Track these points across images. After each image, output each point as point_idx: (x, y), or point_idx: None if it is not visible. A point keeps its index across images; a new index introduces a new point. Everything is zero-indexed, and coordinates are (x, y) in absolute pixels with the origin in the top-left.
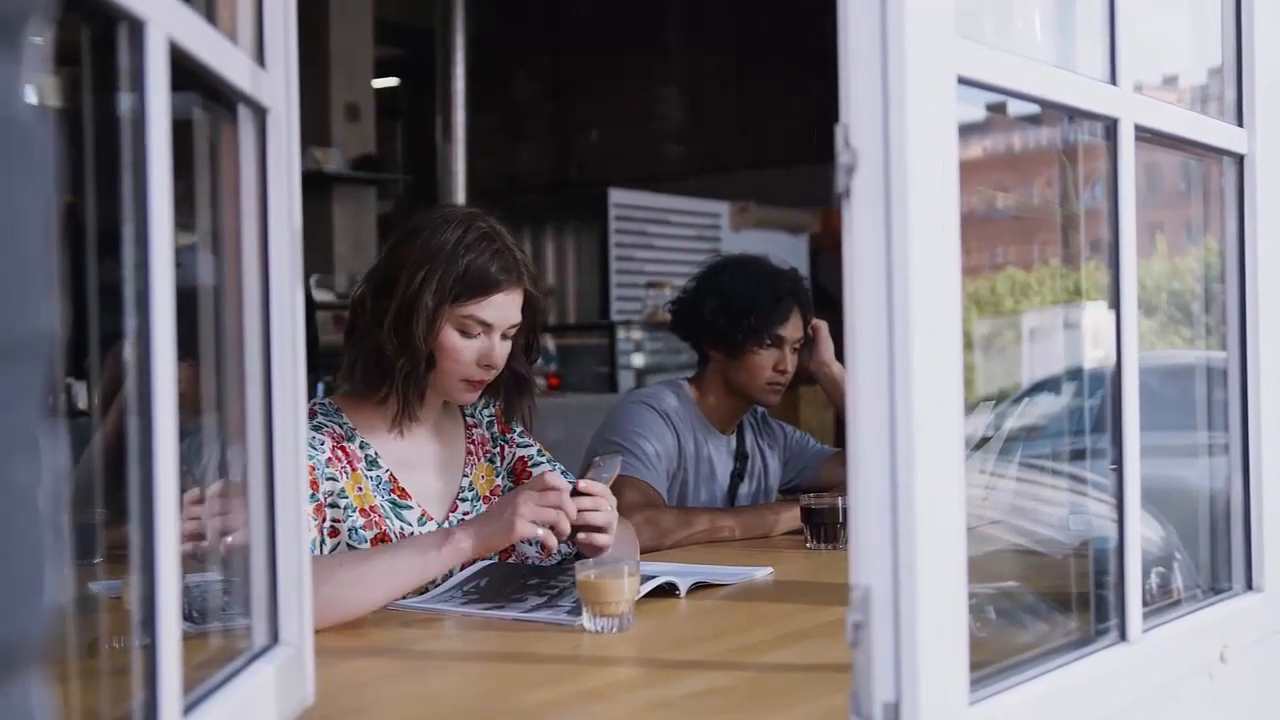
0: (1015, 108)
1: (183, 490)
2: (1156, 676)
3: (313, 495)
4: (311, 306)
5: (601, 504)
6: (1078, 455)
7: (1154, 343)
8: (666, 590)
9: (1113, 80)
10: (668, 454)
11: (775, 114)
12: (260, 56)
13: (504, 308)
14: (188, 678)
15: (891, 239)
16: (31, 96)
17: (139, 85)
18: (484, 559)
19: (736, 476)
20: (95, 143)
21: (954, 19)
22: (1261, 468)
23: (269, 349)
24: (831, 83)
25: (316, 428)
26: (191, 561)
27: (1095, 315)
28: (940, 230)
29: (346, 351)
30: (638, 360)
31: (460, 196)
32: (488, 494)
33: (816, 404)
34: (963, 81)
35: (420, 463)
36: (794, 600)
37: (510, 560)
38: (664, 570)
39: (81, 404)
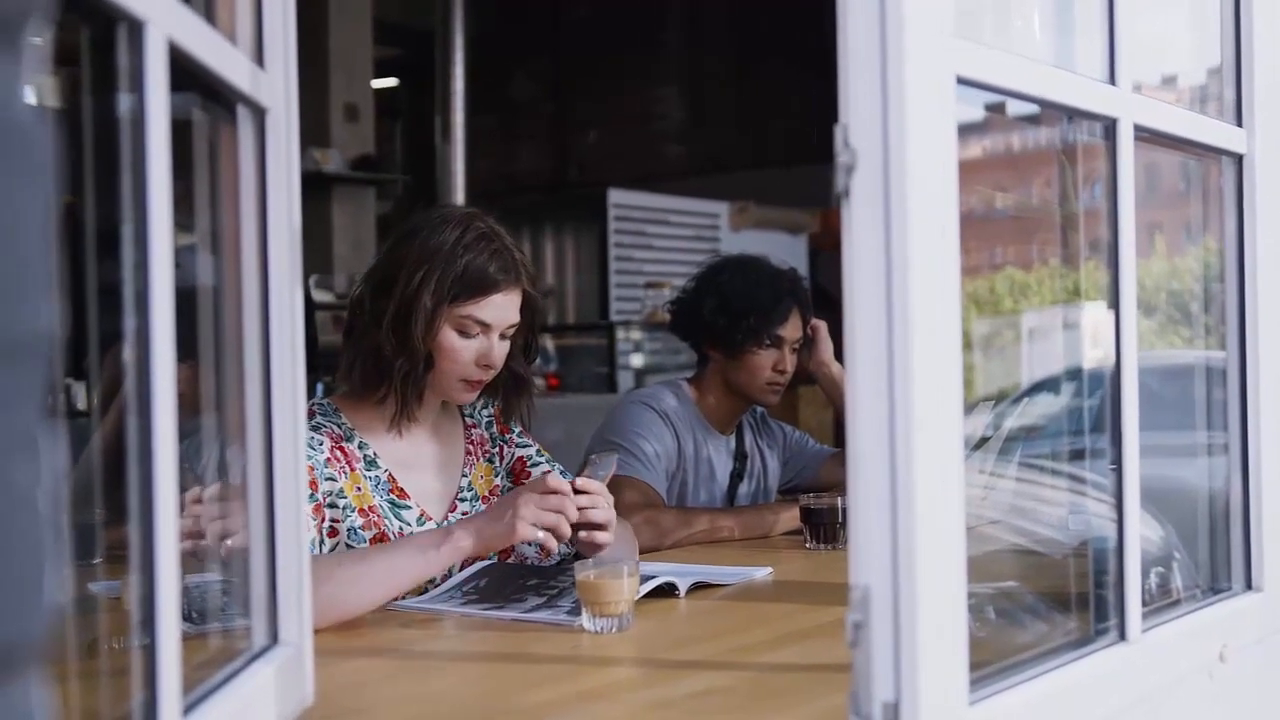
0: (1014, 108)
1: (182, 491)
2: (1156, 676)
3: (311, 495)
4: (311, 307)
5: (600, 501)
6: (1077, 455)
7: (1153, 342)
8: (666, 590)
9: (1112, 80)
10: (667, 454)
11: (775, 114)
12: (259, 57)
13: (502, 308)
14: (187, 678)
15: (891, 239)
16: (31, 97)
17: (138, 86)
18: (483, 559)
19: (736, 477)
20: (95, 143)
21: (953, 19)
22: (1261, 467)
23: (268, 349)
24: (831, 83)
25: (315, 428)
26: (191, 562)
27: (1094, 315)
28: (939, 230)
29: (345, 352)
30: (637, 360)
31: (459, 197)
32: (486, 494)
33: (816, 404)
34: (962, 81)
35: (419, 463)
36: (793, 600)
37: (509, 560)
38: (663, 570)
39: (80, 404)
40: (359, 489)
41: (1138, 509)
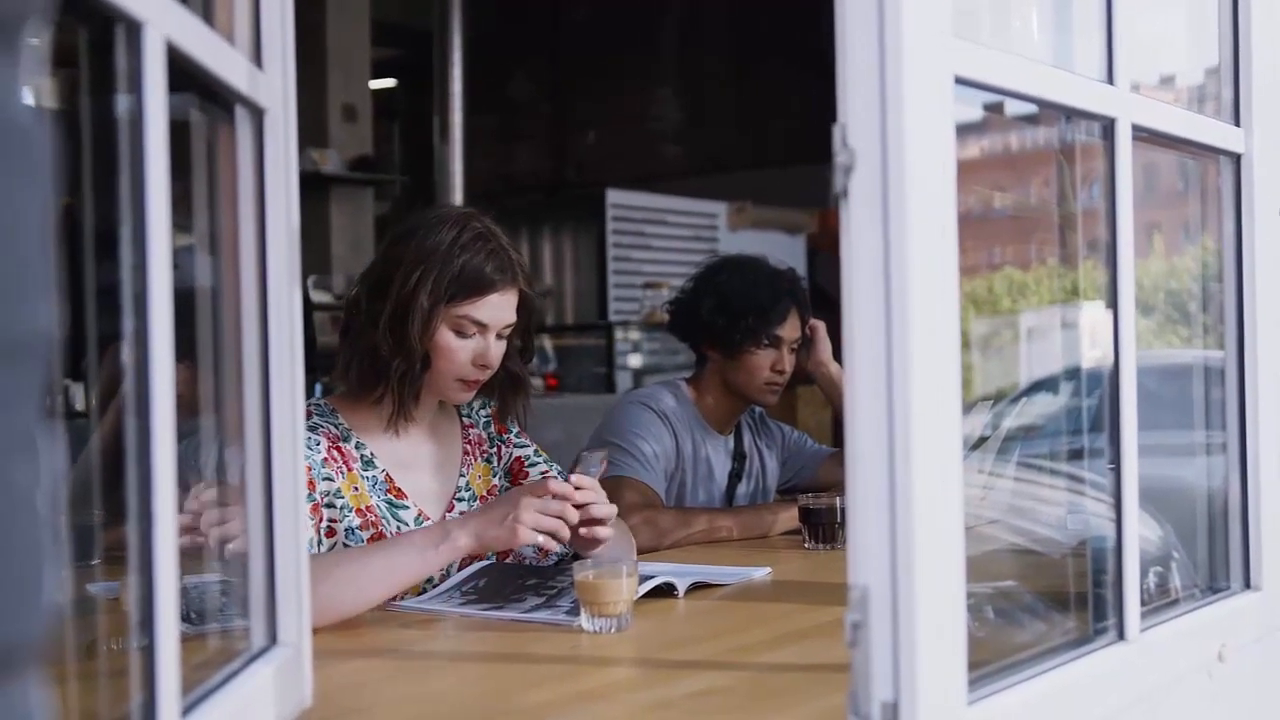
0: (1013, 107)
1: (181, 492)
2: (1155, 676)
3: (309, 495)
4: (309, 307)
5: (594, 497)
6: (1076, 455)
7: (1151, 342)
8: (665, 590)
9: (1110, 80)
10: (665, 454)
11: (774, 114)
12: (258, 57)
13: (499, 308)
14: (186, 679)
15: (889, 239)
16: (29, 98)
17: (136, 86)
18: (481, 559)
19: (734, 477)
20: (93, 144)
21: (951, 19)
22: (1259, 466)
23: (267, 350)
24: (830, 83)
25: (312, 428)
26: (190, 563)
27: (1093, 315)
28: (938, 230)
29: (342, 352)
30: (635, 361)
31: (458, 197)
32: (485, 494)
33: (814, 404)
34: (960, 81)
35: (416, 463)
36: (792, 600)
37: (508, 560)
38: (662, 570)
39: (79, 405)
40: (356, 489)
41: (1136, 508)
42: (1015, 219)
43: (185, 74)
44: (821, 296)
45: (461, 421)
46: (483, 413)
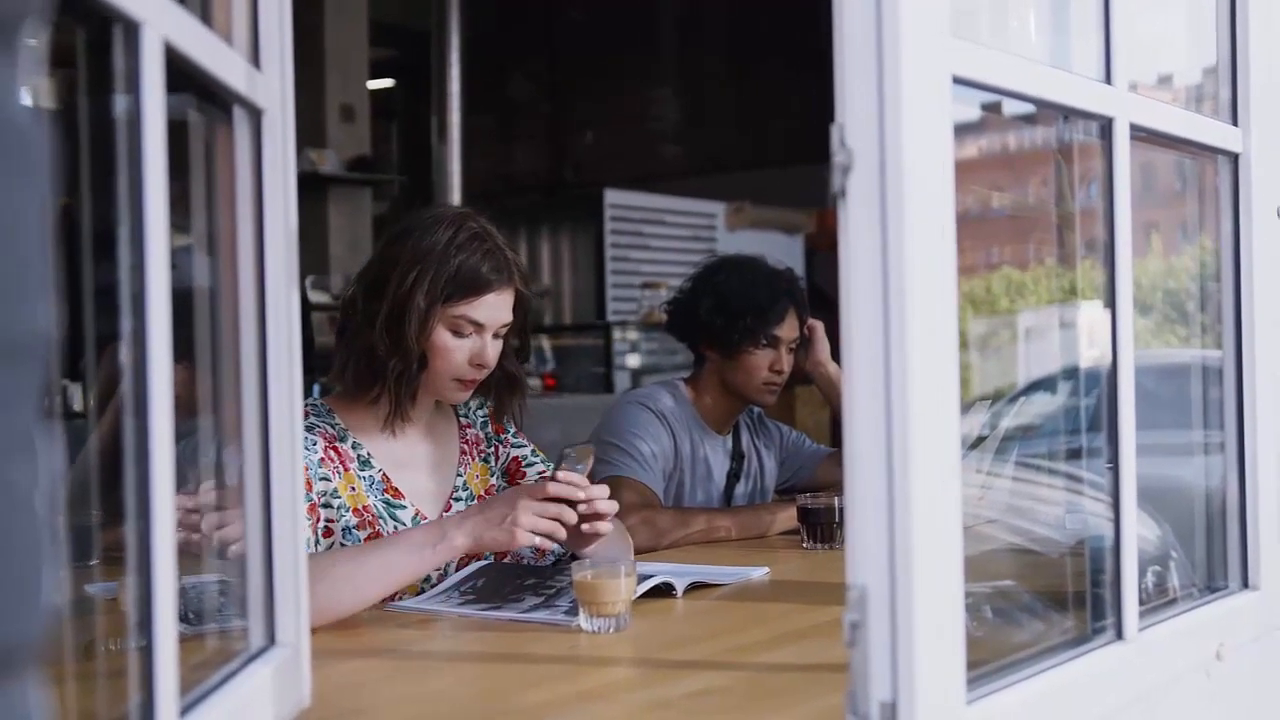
0: (1011, 107)
1: (179, 493)
2: (1153, 675)
3: (306, 495)
4: (307, 308)
5: (595, 494)
6: (1074, 454)
7: (1149, 342)
8: (663, 590)
9: (1108, 79)
10: (664, 454)
11: (772, 114)
12: (255, 58)
13: (495, 307)
14: (184, 679)
15: (887, 239)
16: (27, 98)
17: (134, 87)
18: (479, 558)
19: (733, 477)
20: (91, 144)
21: (949, 19)
22: (1257, 466)
23: (265, 350)
24: (829, 83)
25: (309, 428)
26: (188, 563)
27: (1091, 314)
28: (936, 230)
29: (338, 352)
30: (633, 361)
31: (455, 197)
32: (482, 494)
33: (812, 404)
34: (958, 81)
35: (413, 462)
36: (791, 600)
37: (506, 560)
38: (660, 570)
39: (77, 405)
40: (353, 489)
41: (1134, 508)
42: (1013, 219)
43: (183, 74)
44: (820, 296)
45: (458, 421)
46: (480, 412)
